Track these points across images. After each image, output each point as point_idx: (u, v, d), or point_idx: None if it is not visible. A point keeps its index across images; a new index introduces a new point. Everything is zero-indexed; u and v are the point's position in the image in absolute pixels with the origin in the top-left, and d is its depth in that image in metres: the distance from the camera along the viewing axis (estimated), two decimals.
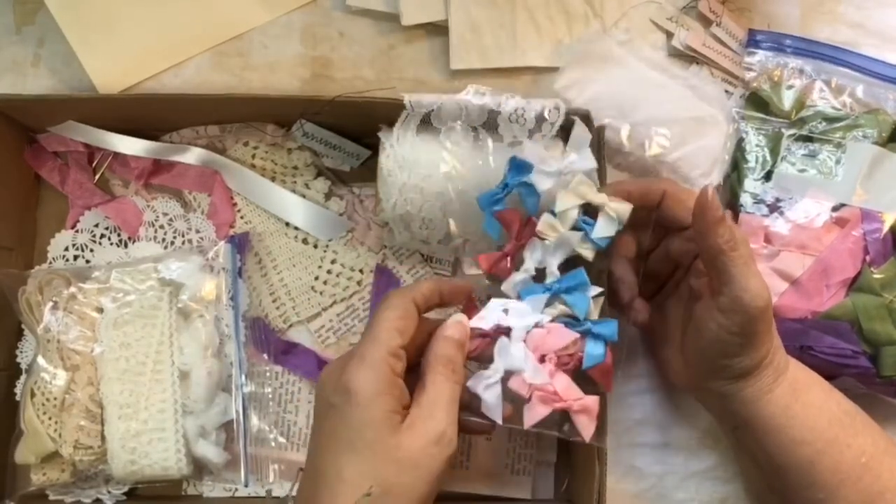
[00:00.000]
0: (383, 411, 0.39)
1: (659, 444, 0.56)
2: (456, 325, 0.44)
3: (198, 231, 0.56)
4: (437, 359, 0.42)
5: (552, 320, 0.45)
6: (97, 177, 0.57)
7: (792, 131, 0.56)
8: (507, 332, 0.44)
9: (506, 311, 0.45)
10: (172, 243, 0.56)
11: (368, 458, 0.38)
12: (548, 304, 0.45)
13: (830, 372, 0.53)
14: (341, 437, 0.39)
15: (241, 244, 0.56)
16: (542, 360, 0.44)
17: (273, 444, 0.55)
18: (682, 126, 0.57)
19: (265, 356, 0.55)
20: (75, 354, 0.52)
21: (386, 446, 0.39)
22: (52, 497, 0.53)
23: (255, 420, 0.55)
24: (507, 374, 0.43)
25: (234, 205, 0.57)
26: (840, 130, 0.56)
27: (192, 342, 0.53)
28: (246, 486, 0.54)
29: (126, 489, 0.54)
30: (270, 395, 0.55)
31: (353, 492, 0.38)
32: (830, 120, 0.56)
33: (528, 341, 0.44)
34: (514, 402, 0.44)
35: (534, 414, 0.43)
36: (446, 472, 0.40)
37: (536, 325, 0.44)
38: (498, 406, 0.43)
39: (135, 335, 0.52)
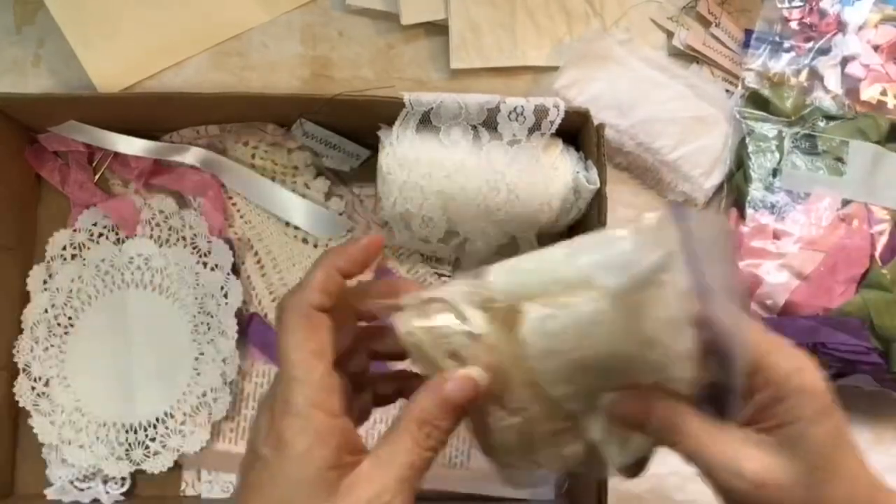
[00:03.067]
0: (317, 469, 0.32)
1: None
2: (460, 380, 0.34)
3: (191, 227, 0.56)
4: (413, 416, 0.34)
5: None
6: (97, 177, 0.57)
7: (795, 129, 0.56)
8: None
9: None
10: (168, 241, 0.56)
11: None
12: None
13: (843, 369, 0.53)
14: (268, 497, 0.33)
15: (231, 244, 0.56)
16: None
17: None
18: (683, 125, 0.57)
19: (264, 355, 0.55)
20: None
21: None
22: (50, 497, 0.53)
23: (252, 419, 0.55)
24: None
25: (226, 211, 0.57)
26: (840, 129, 0.56)
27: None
28: None
29: (125, 489, 0.53)
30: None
31: None
32: (830, 118, 0.56)
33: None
34: None
35: None
36: None
37: None
38: None
39: None
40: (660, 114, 0.57)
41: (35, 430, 0.54)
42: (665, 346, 0.32)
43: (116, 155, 0.56)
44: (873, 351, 0.52)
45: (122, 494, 0.53)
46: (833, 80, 0.58)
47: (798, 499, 0.32)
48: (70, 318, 0.55)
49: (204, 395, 0.53)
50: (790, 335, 0.51)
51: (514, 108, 0.49)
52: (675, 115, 0.58)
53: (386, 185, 0.50)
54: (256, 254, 0.57)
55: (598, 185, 0.50)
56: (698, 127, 0.58)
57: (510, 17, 0.59)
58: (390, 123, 0.50)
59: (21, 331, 0.55)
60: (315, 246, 0.57)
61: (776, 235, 0.55)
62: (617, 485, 0.55)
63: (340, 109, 0.52)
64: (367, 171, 0.57)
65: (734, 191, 0.57)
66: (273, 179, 0.57)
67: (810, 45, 0.59)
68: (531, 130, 0.50)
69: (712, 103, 0.58)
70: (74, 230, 0.56)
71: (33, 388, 0.54)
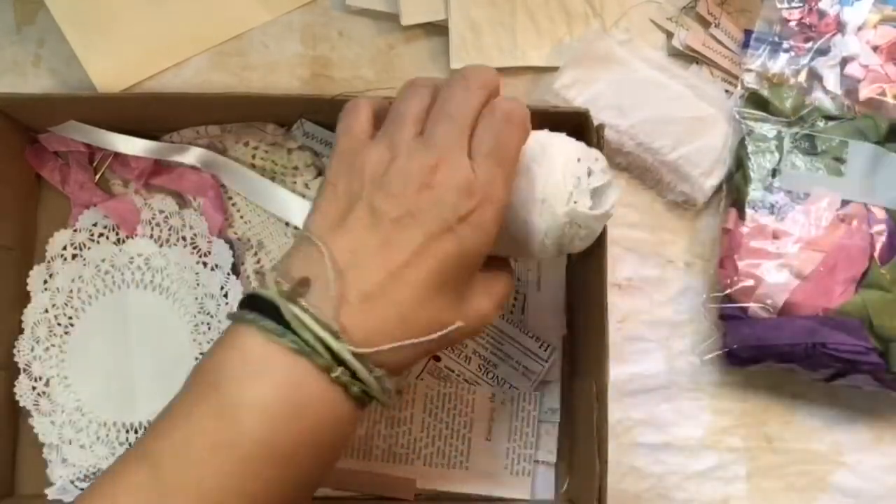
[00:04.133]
0: None
1: (659, 444, 0.56)
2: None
3: (191, 227, 0.56)
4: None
5: None
6: (98, 177, 0.57)
7: (794, 130, 0.57)
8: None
9: None
10: (168, 241, 0.56)
11: None
12: None
13: (843, 369, 0.53)
14: None
15: (231, 244, 0.56)
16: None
17: None
18: (683, 125, 0.57)
19: None
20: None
21: None
22: (51, 497, 0.53)
23: None
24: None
25: (226, 211, 0.57)
26: (840, 130, 0.56)
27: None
28: None
29: None
30: None
31: None
32: (830, 119, 0.57)
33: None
34: None
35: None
36: None
37: None
38: None
39: None
40: (660, 114, 0.57)
41: (35, 430, 0.54)
42: None
43: (117, 155, 0.56)
44: (873, 351, 0.52)
45: None
46: (832, 81, 0.58)
47: None
48: (70, 318, 0.55)
49: None
50: (790, 335, 0.53)
51: None
52: (675, 115, 0.58)
53: None
54: (256, 254, 0.57)
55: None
56: (698, 127, 0.58)
57: (510, 17, 0.59)
58: None
59: (21, 331, 0.55)
60: None
61: (776, 235, 0.55)
62: (616, 484, 0.55)
63: (341, 109, 0.52)
64: None
65: (734, 191, 0.57)
66: (273, 179, 0.57)
67: (809, 45, 0.59)
68: None
69: (712, 103, 0.58)
70: (75, 230, 0.56)
71: (34, 388, 0.54)
